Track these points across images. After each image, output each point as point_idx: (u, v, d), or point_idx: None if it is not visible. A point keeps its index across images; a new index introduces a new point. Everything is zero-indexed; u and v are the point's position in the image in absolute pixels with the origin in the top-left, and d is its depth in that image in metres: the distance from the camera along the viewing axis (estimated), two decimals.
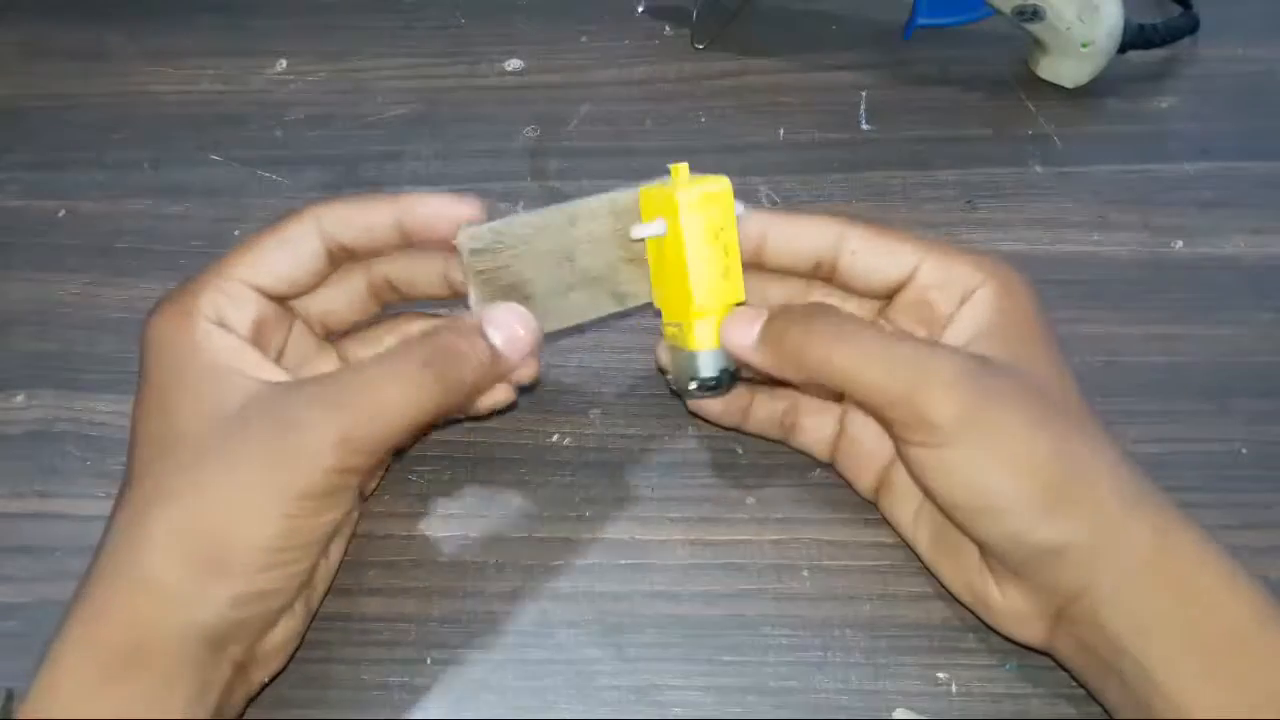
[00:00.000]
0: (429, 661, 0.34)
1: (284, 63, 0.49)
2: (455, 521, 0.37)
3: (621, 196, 0.34)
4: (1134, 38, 0.45)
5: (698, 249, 0.32)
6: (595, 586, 0.35)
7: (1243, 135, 0.45)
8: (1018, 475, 0.29)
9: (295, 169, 0.46)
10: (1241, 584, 0.29)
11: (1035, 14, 0.44)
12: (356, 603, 0.35)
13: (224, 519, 0.28)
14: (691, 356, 0.33)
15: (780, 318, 0.32)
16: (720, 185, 0.32)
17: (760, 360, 0.32)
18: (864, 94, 0.47)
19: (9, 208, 0.45)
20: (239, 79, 0.48)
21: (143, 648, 0.28)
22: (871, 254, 0.33)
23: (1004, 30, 0.46)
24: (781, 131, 0.46)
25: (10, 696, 0.34)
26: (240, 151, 0.46)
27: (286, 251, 0.32)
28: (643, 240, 0.34)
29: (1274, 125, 0.46)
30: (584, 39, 0.49)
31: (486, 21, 0.50)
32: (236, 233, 0.44)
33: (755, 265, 0.34)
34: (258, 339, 0.32)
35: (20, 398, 0.40)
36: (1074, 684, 0.33)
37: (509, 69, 0.48)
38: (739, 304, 0.33)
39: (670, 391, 0.38)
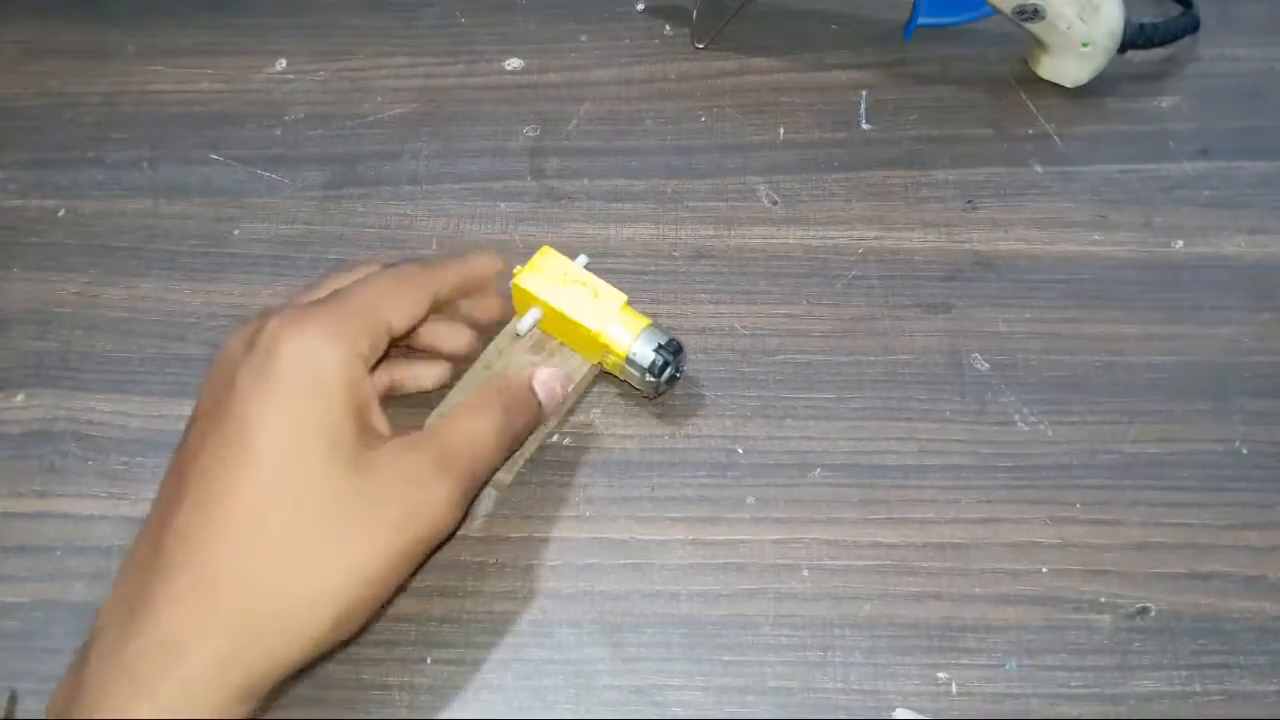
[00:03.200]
0: (429, 661, 0.34)
1: (284, 62, 0.49)
2: None
3: (509, 326, 0.39)
4: (1134, 38, 0.45)
5: (559, 297, 0.37)
6: (595, 586, 0.36)
7: (1242, 135, 0.45)
8: None
9: (295, 168, 0.45)
10: None
11: (1035, 14, 0.44)
12: None
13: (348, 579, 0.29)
14: (630, 362, 0.37)
15: None
16: (540, 251, 0.38)
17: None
18: (864, 94, 0.47)
19: (8, 207, 0.45)
20: (239, 78, 0.48)
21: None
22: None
23: (1004, 30, 0.46)
24: (781, 131, 0.46)
25: (13, 698, 0.34)
26: (240, 151, 0.46)
27: (419, 296, 0.34)
28: (538, 333, 0.39)
29: (1274, 125, 0.46)
30: (584, 38, 0.49)
31: (486, 21, 0.50)
32: (236, 232, 0.44)
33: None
34: (377, 381, 0.33)
35: (20, 397, 0.40)
36: (1074, 684, 0.34)
37: (509, 68, 0.48)
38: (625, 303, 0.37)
39: (653, 397, 0.39)
